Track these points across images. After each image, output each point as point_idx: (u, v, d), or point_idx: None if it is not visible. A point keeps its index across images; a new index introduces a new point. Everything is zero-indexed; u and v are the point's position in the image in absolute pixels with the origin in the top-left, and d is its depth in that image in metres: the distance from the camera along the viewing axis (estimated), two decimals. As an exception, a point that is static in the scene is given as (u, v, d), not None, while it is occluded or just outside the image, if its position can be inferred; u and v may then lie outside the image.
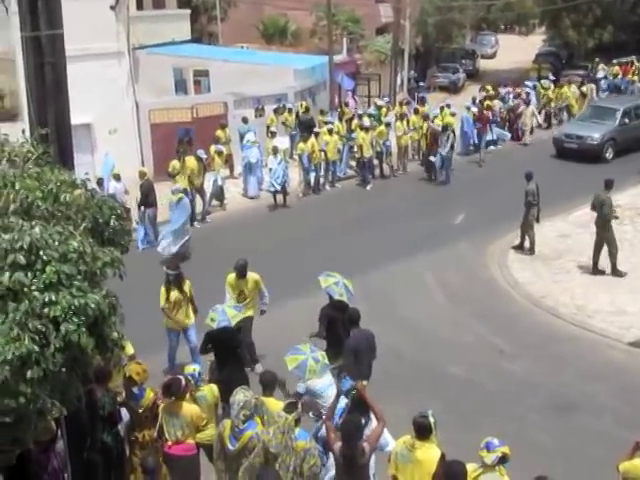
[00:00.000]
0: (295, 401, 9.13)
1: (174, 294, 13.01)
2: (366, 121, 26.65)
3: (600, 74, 40.35)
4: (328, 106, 30.77)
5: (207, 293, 13.48)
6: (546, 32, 52.06)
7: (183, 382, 9.71)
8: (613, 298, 16.56)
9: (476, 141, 29.39)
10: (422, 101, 32.69)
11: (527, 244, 19.36)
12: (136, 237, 19.60)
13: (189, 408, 9.61)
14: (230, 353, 11.43)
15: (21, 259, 5.87)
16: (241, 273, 13.34)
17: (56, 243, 6.02)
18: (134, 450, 9.72)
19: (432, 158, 25.91)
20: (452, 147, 25.97)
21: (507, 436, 8.74)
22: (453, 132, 26.61)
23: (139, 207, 20.20)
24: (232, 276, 13.43)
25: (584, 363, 14.16)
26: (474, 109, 30.16)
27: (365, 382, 10.36)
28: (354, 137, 26.56)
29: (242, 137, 25.55)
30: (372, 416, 9.13)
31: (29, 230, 6.01)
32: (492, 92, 33.67)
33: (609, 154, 28.92)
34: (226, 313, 11.69)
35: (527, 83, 35.92)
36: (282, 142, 24.98)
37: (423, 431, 8.42)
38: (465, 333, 15.36)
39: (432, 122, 26.97)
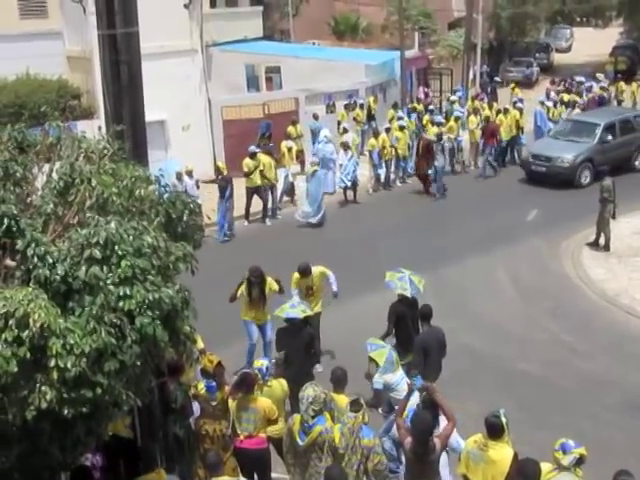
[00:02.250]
0: (358, 398, 9.10)
1: (255, 294, 13.11)
2: (438, 117, 26.54)
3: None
4: (400, 101, 30.65)
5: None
6: (623, 24, 50.85)
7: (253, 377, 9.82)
8: (690, 297, 16.16)
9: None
10: (494, 95, 32.36)
11: (602, 241, 19.00)
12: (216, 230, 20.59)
13: (262, 402, 9.69)
14: (299, 349, 11.43)
15: (97, 254, 5.97)
16: (305, 273, 13.46)
17: (131, 238, 6.11)
18: (204, 444, 9.83)
19: (430, 171, 24.01)
20: (452, 155, 24.90)
21: (581, 435, 8.63)
22: (449, 140, 25.58)
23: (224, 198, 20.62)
24: (297, 275, 13.54)
25: (661, 362, 13.86)
26: (549, 104, 29.75)
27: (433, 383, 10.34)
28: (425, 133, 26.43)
29: (313, 133, 25.63)
30: (441, 417, 9.09)
31: (105, 225, 6.12)
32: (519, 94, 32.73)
33: (585, 178, 24.54)
34: (295, 306, 11.85)
35: (579, 79, 35.00)
36: (352, 138, 24.96)
37: (495, 431, 8.35)
38: (538, 330, 15.16)
39: (425, 132, 25.61)
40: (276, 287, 13.24)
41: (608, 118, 26.26)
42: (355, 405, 8.85)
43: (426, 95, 33.42)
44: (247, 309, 13.34)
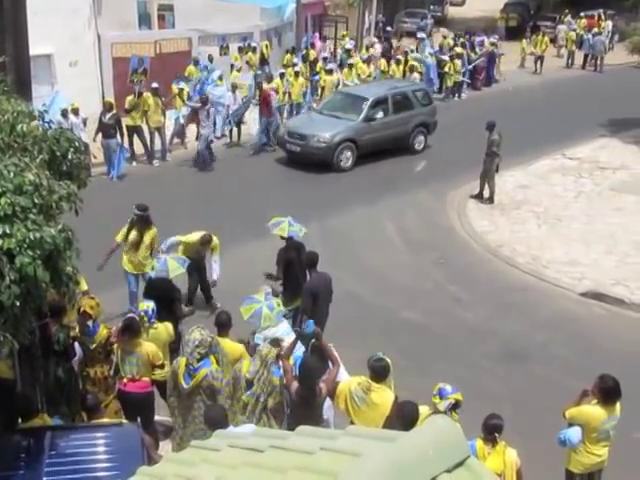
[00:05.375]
0: (277, 339, 9.25)
1: (132, 235, 12.78)
2: (330, 65, 26.64)
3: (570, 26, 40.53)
4: (294, 47, 30.45)
5: (164, 232, 13.35)
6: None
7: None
8: (568, 249, 16.79)
9: (437, 86, 29.40)
10: (388, 45, 32.59)
11: (486, 193, 19.48)
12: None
13: (147, 346, 9.61)
14: (164, 305, 10.94)
15: (-25, 190, 5.77)
16: (206, 244, 13.23)
17: (11, 175, 5.92)
18: (86, 386, 9.72)
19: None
20: (214, 124, 21.53)
21: (459, 382, 8.89)
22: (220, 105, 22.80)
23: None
24: (196, 241, 13.18)
25: (537, 312, 14.38)
26: (444, 57, 30.15)
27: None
28: (317, 79, 26.43)
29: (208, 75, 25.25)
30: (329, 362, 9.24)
31: (-17, 161, 5.91)
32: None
33: (345, 161, 21.48)
34: (167, 264, 11.48)
35: (419, 35, 35.26)
36: (245, 78, 24.79)
37: (381, 374, 8.56)
38: (422, 280, 15.49)
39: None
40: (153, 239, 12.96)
41: (379, 92, 23.03)
42: (274, 342, 9.11)
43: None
44: (126, 257, 12.94)
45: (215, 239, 13.34)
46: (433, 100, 24.76)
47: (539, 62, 35.51)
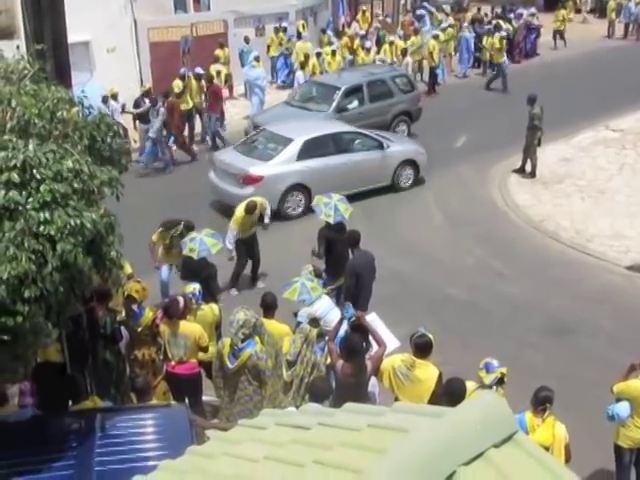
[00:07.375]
0: (316, 318, 9.39)
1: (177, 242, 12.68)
2: (367, 42, 26.48)
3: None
4: (329, 26, 30.28)
5: (206, 213, 13.43)
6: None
7: (182, 303, 9.73)
8: (612, 222, 16.56)
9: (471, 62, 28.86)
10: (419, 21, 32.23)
11: (528, 167, 19.26)
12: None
13: (192, 328, 9.68)
14: (200, 284, 10.85)
15: (15, 177, 5.81)
16: (252, 211, 13.39)
17: (50, 162, 5.95)
18: (134, 368, 9.83)
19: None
20: (164, 124, 19.65)
21: (503, 357, 8.85)
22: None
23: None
24: (242, 214, 13.36)
25: (582, 286, 14.22)
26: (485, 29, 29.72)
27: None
28: (351, 59, 26.35)
29: (244, 57, 25.26)
30: (372, 341, 9.24)
31: (23, 148, 5.95)
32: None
33: None
34: (205, 242, 11.47)
35: (418, 12, 34.22)
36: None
37: (424, 349, 8.58)
38: (465, 255, 15.40)
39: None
40: None
41: (353, 80, 21.32)
42: (312, 322, 9.32)
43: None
44: (164, 255, 12.89)
45: (259, 199, 13.54)
46: (416, 86, 23.06)
47: (558, 37, 34.48)
